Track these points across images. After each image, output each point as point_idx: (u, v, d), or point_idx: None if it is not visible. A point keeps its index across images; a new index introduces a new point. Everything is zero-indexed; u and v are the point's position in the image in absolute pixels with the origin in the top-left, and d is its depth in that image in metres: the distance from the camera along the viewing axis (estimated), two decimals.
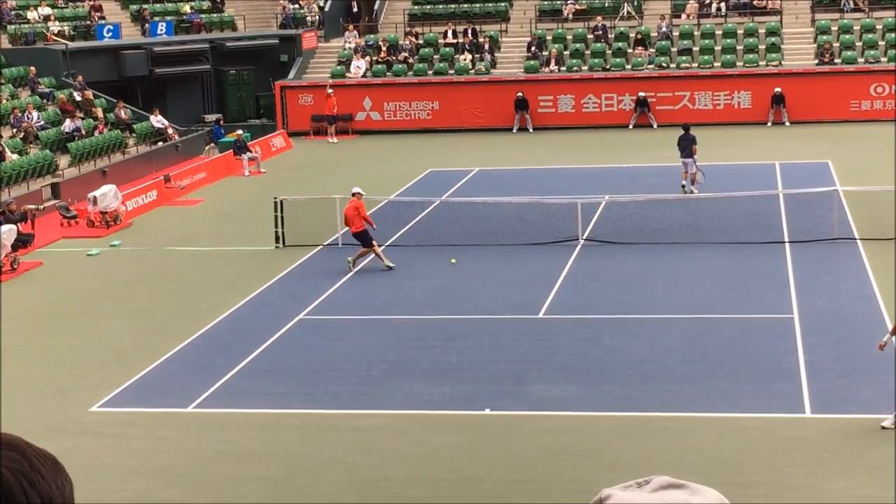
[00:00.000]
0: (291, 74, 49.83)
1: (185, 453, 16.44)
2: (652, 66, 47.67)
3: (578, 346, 20.40)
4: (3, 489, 1.84)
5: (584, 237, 27.81)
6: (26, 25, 46.15)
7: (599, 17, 50.19)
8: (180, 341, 21.43)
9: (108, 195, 32.03)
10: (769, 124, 44.96)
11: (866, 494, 14.37)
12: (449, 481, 15.22)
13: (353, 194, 26.25)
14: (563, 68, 48.15)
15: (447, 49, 50.03)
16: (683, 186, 33.10)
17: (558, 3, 51.75)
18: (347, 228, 26.35)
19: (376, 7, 54.43)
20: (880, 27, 47.75)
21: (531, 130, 46.12)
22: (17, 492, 1.85)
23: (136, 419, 17.98)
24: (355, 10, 54.55)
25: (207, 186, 37.98)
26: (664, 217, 29.48)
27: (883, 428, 15.82)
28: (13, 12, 46.60)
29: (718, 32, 48.93)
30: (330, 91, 46.45)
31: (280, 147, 45.08)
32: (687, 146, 33.25)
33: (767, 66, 46.78)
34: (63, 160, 38.07)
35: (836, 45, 47.23)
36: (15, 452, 1.88)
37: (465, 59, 49.21)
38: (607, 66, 48.04)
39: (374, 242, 26.03)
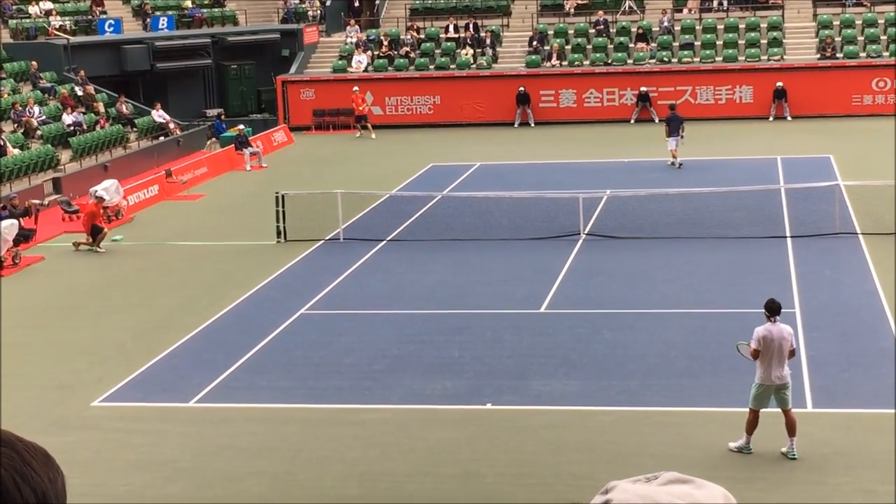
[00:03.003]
0: (293, 69, 49.83)
1: (187, 448, 16.44)
2: (653, 60, 47.65)
3: (580, 340, 20.40)
4: None
5: (586, 232, 27.81)
6: (28, 20, 46.15)
7: (601, 12, 50.16)
8: (182, 336, 21.43)
9: (109, 190, 32.03)
10: (771, 119, 44.94)
11: (867, 489, 14.37)
12: (450, 476, 15.22)
13: (100, 199, 29.60)
14: (565, 63, 48.14)
15: (448, 44, 50.00)
16: (680, 165, 35.65)
17: None
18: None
19: (378, 2, 54.41)
20: (882, 22, 47.72)
21: (533, 125, 46.10)
22: (10, 488, 1.85)
23: (138, 414, 17.99)
24: (357, 4, 54.53)
25: (209, 181, 37.98)
26: (666, 211, 29.46)
27: (730, 450, 15.30)
28: (14, 7, 46.59)
29: (720, 27, 48.90)
30: (355, 89, 46.29)
31: (281, 142, 45.08)
32: (677, 126, 35.77)
33: (769, 60, 46.76)
34: (64, 155, 38.10)
35: (837, 39, 47.19)
36: (6, 448, 1.88)
37: (466, 54, 49.18)
38: (609, 61, 48.01)
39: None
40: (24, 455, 1.89)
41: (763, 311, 15.32)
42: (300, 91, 48.35)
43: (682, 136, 35.71)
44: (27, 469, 1.87)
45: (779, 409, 15.15)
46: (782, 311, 15.49)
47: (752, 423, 15.17)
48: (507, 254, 26.41)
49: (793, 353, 15.19)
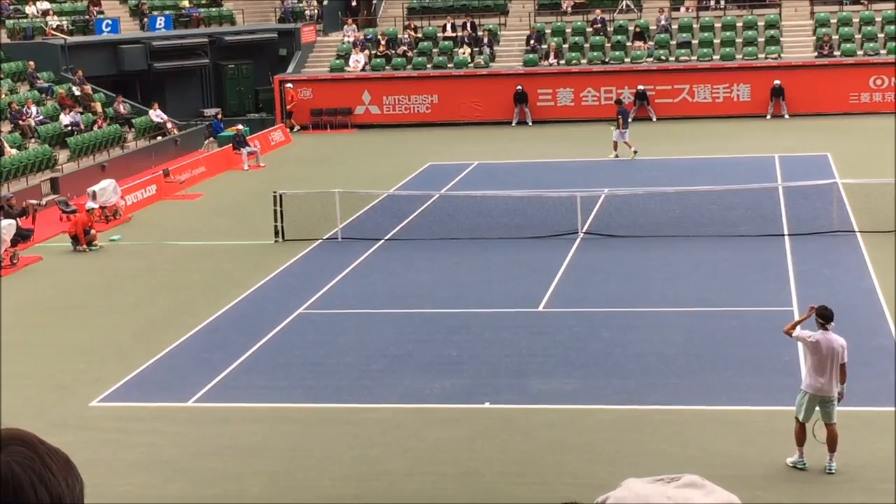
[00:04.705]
0: (290, 68, 49.81)
1: (186, 447, 16.45)
2: (651, 59, 47.66)
3: (578, 339, 20.41)
4: (13, 484, 1.84)
5: (584, 230, 27.81)
6: (25, 20, 46.09)
7: (598, 11, 50.19)
8: (180, 335, 21.43)
9: (107, 190, 32.04)
10: (768, 117, 44.94)
11: (867, 487, 14.39)
12: (449, 475, 15.23)
13: (90, 210, 29.84)
14: (562, 61, 48.13)
15: (446, 43, 50.00)
16: (636, 153, 37.44)
17: None
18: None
19: (375, 1, 54.40)
20: (879, 19, 47.73)
21: (530, 124, 46.10)
22: (26, 487, 1.85)
23: (137, 413, 17.99)
24: (354, 3, 54.53)
25: (207, 181, 37.97)
26: (664, 210, 29.47)
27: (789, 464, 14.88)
28: (11, 7, 46.52)
29: (717, 25, 48.91)
30: (289, 85, 47.75)
31: (279, 141, 45.08)
32: (627, 119, 38.02)
33: (766, 58, 46.77)
34: (62, 155, 38.07)
35: (835, 37, 47.21)
36: (26, 448, 1.89)
37: (463, 53, 49.18)
38: (606, 60, 48.01)
39: None
40: (44, 457, 1.90)
41: (816, 318, 14.73)
42: (298, 90, 48.34)
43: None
44: (45, 472, 1.88)
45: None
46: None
47: (799, 435, 14.64)
48: (505, 253, 26.41)
49: (844, 369, 14.53)
